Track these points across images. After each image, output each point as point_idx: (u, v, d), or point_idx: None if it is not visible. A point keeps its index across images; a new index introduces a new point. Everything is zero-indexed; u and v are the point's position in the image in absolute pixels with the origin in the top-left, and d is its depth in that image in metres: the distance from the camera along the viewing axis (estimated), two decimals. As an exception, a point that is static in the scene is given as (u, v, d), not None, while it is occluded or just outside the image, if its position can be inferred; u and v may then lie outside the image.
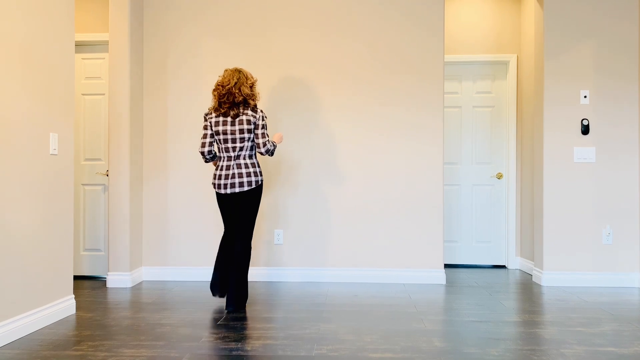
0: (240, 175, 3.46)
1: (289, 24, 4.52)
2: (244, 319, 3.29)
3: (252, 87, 3.48)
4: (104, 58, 4.63)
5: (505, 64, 5.28)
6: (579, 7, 4.37)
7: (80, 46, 4.65)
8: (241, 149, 3.47)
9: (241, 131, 3.44)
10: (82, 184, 4.64)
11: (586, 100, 4.36)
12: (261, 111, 3.48)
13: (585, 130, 4.34)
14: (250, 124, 3.44)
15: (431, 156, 4.46)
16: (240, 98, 3.42)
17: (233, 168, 3.47)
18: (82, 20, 4.68)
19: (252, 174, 3.47)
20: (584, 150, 4.36)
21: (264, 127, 3.46)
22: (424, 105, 4.46)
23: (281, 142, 3.75)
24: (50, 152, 3.17)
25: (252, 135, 3.48)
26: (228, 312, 3.46)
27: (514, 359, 2.55)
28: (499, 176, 5.27)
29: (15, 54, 2.85)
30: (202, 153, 3.54)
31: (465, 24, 5.27)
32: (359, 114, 4.49)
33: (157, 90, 4.57)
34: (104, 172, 4.60)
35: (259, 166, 3.54)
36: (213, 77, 4.53)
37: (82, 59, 4.64)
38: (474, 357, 2.58)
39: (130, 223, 4.30)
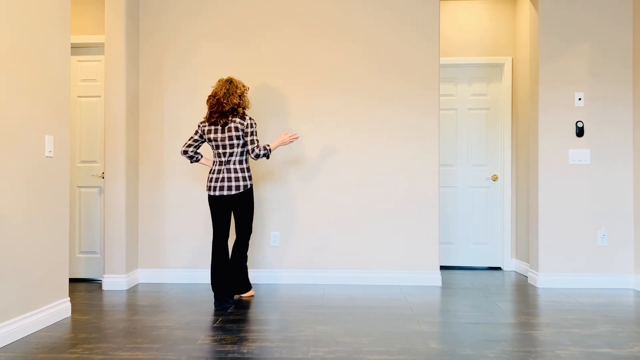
0: (230, 180, 3.67)
1: (286, 27, 4.53)
2: (240, 321, 3.29)
3: (241, 96, 3.69)
4: (99, 60, 4.63)
5: (501, 66, 5.31)
6: (574, 11, 4.40)
7: (75, 48, 4.64)
8: (231, 154, 3.68)
9: (230, 138, 3.64)
10: (78, 186, 4.63)
11: (581, 103, 4.39)
12: (250, 118, 3.68)
13: (580, 132, 4.37)
14: (239, 131, 3.64)
15: (427, 158, 4.47)
16: (228, 107, 3.63)
17: (223, 172, 3.69)
18: (78, 22, 4.67)
19: (241, 179, 3.68)
20: (579, 152, 4.38)
21: (252, 133, 3.66)
22: (419, 108, 4.48)
23: (285, 143, 3.81)
24: (46, 155, 3.16)
25: (241, 142, 3.67)
26: (224, 308, 3.65)
27: (509, 360, 2.56)
28: (495, 178, 5.29)
29: (9, 56, 2.85)
30: (181, 151, 3.81)
31: (461, 26, 5.29)
32: (355, 117, 4.50)
33: (154, 92, 4.57)
34: (100, 174, 4.59)
35: (248, 171, 3.75)
36: (209, 79, 4.53)
37: (78, 61, 4.64)
38: (470, 358, 2.58)
39: (126, 225, 4.29)
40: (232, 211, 3.76)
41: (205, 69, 4.55)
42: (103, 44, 4.58)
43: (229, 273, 3.73)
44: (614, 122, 4.38)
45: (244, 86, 3.71)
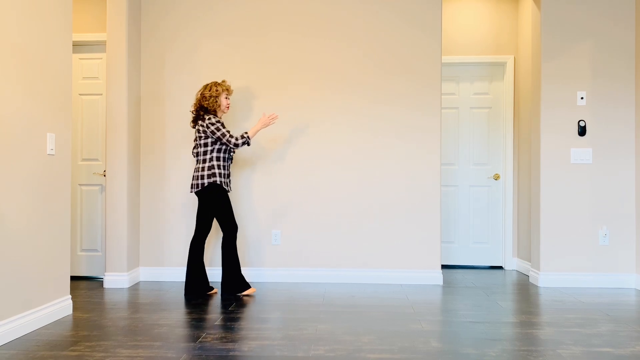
0: (193, 178, 3.96)
1: (287, 27, 4.52)
2: (241, 319, 3.29)
3: (202, 99, 3.91)
4: (101, 58, 4.63)
5: (503, 65, 5.30)
6: (576, 9, 4.38)
7: (77, 46, 4.64)
8: (196, 154, 3.98)
9: (195, 139, 3.97)
10: (80, 184, 4.64)
11: (583, 102, 4.38)
12: (208, 119, 3.86)
13: (582, 131, 4.36)
14: (200, 133, 3.90)
15: (428, 157, 4.47)
16: (196, 113, 3.96)
17: (193, 172, 4.08)
18: (80, 20, 4.67)
19: (199, 177, 3.90)
20: (581, 151, 4.37)
21: (217, 130, 3.83)
22: (421, 107, 4.47)
23: (266, 124, 3.97)
24: (48, 152, 3.17)
25: (202, 142, 3.89)
26: (222, 296, 3.95)
27: (510, 359, 2.56)
28: (496, 177, 5.28)
29: (11, 54, 2.85)
30: None
31: (463, 25, 5.28)
32: (357, 117, 4.50)
33: (155, 90, 4.57)
34: (101, 172, 4.60)
35: (210, 169, 3.88)
36: (211, 78, 4.53)
37: (80, 59, 4.64)
38: (471, 357, 2.58)
39: (127, 223, 4.29)
40: (200, 206, 3.98)
41: (207, 68, 4.54)
42: (105, 42, 4.58)
43: (200, 267, 4.00)
44: (616, 121, 4.37)
45: (209, 90, 3.91)
